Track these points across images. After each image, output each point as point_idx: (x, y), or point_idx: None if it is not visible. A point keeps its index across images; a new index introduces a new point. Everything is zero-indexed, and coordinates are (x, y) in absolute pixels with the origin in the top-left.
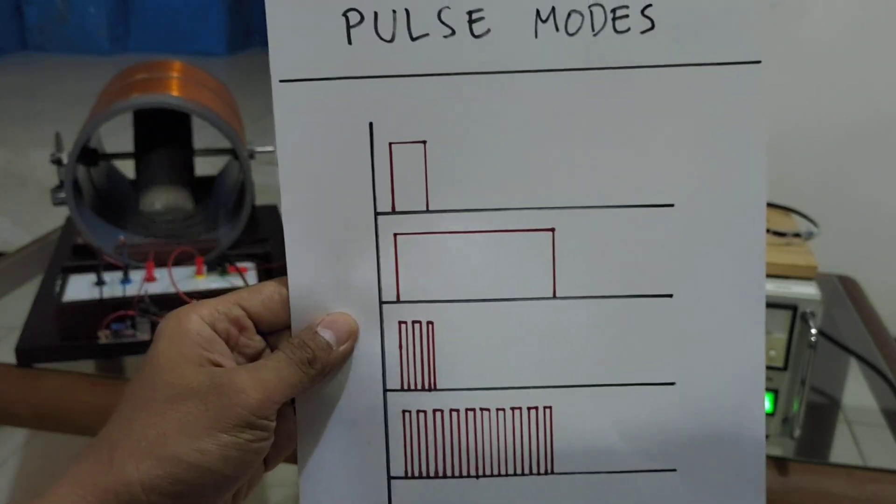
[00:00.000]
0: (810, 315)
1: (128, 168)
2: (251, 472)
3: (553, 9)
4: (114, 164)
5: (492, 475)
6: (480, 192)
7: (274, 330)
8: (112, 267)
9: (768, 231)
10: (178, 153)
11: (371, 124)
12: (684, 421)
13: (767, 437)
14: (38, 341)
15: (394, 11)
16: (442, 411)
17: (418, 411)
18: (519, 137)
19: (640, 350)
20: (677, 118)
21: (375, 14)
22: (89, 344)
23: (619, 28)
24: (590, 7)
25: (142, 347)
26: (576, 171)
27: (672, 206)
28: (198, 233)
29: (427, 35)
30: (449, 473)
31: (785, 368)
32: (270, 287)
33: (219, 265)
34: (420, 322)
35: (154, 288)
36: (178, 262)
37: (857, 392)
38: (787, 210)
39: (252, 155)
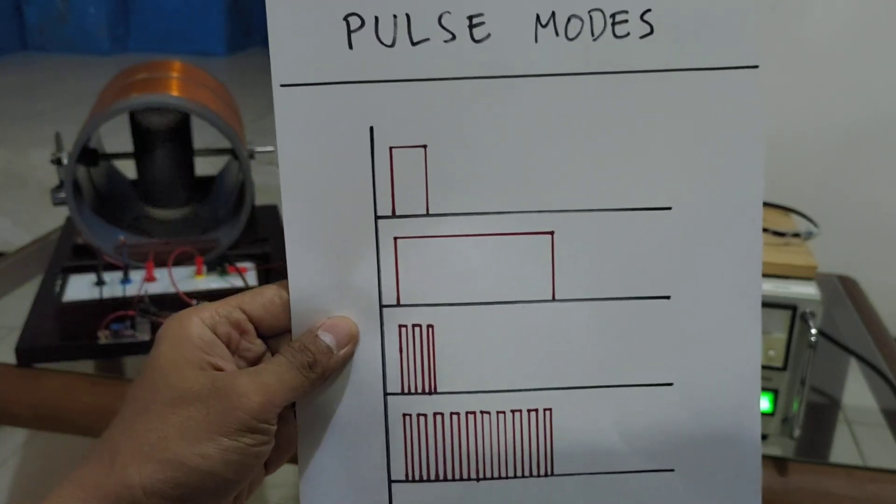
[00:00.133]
0: (810, 315)
1: (128, 168)
2: (252, 475)
3: (553, 14)
4: (114, 164)
5: (492, 478)
6: (480, 196)
7: (275, 333)
8: (112, 267)
9: (768, 231)
10: (177, 153)
11: (372, 128)
12: (683, 421)
13: (767, 437)
14: (38, 341)
15: (394, 16)
16: (442, 414)
17: (419, 415)
18: (518, 141)
19: (638, 351)
20: (675, 122)
21: (376, 19)
22: (89, 344)
23: (618, 33)
24: (589, 12)
25: (141, 348)
26: (575, 174)
27: (670, 209)
28: (198, 233)
29: (427, 40)
30: (449, 476)
31: (785, 368)
32: (271, 290)
33: (219, 265)
34: (420, 325)
35: (154, 288)
36: (178, 263)
37: (857, 392)
38: (787, 210)
39: (252, 155)
